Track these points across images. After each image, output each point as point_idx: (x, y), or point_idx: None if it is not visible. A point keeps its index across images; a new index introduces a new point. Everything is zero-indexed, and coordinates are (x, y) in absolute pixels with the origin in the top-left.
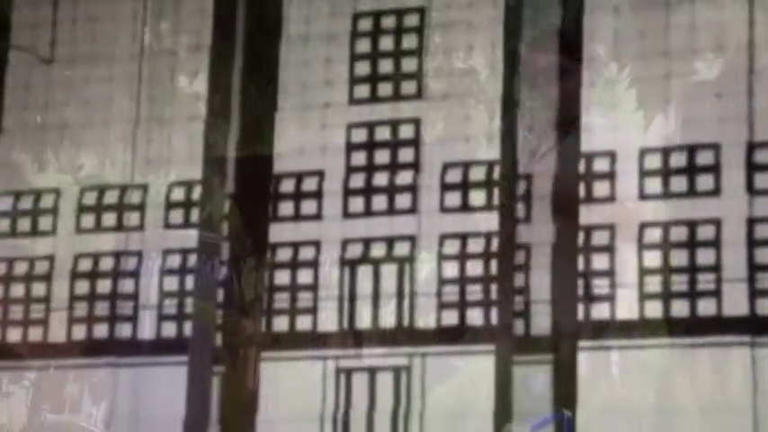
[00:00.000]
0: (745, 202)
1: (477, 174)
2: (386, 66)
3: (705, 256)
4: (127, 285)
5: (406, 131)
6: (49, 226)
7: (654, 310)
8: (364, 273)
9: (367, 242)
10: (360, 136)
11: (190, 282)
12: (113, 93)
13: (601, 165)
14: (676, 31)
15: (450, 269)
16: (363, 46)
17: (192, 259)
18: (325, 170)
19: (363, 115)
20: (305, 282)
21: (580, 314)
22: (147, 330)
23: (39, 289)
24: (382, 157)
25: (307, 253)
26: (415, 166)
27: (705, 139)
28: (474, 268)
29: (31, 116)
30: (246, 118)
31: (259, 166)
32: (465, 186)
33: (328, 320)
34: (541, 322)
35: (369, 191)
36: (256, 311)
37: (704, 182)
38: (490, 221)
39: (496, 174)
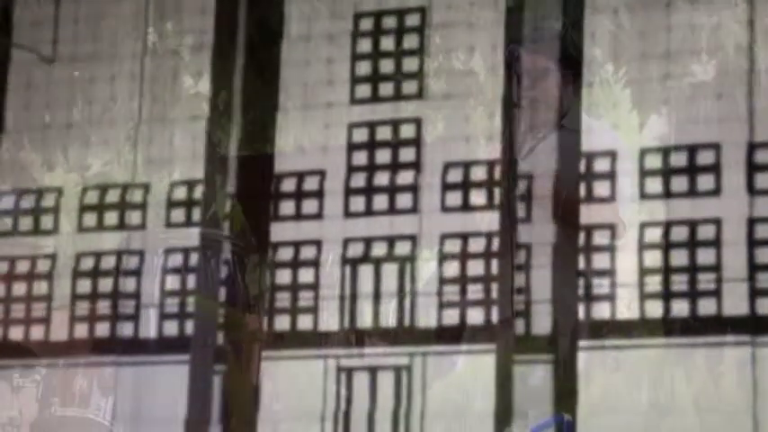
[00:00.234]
0: (746, 202)
1: (478, 173)
2: (387, 66)
3: (705, 256)
4: (129, 284)
5: (407, 131)
6: (51, 225)
7: (654, 309)
8: (365, 272)
9: (368, 241)
10: (361, 135)
11: (192, 280)
12: (115, 92)
13: (601, 165)
14: (677, 32)
15: (451, 269)
16: (365, 46)
17: (194, 258)
18: (327, 169)
19: (364, 115)
20: (306, 281)
21: (580, 314)
22: (148, 329)
23: (40, 287)
24: (383, 156)
25: (308, 252)
26: (416, 165)
27: (705, 139)
28: (475, 268)
29: (34, 115)
30: (248, 117)
31: (261, 165)
32: (466, 186)
33: (329, 319)
34: (542, 322)
35: (370, 190)
36: (259, 309)
37: (704, 182)
38: (491, 221)
39: (497, 173)
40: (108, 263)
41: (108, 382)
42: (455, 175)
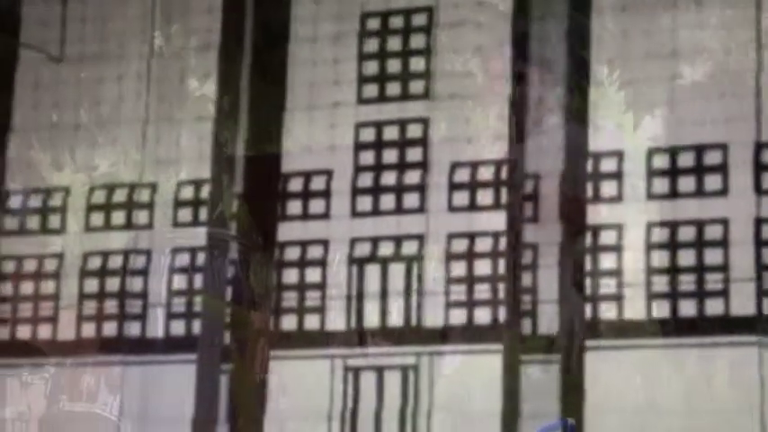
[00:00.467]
0: (753, 202)
1: (485, 173)
2: (394, 65)
3: (713, 256)
4: (136, 283)
5: (414, 131)
6: (59, 224)
7: (661, 309)
8: (372, 271)
9: (375, 241)
10: (368, 135)
11: (198, 280)
12: (123, 92)
13: (608, 165)
14: (684, 32)
15: (458, 268)
16: (371, 46)
17: (201, 258)
18: (334, 169)
19: (371, 115)
20: (313, 280)
21: (587, 314)
22: (155, 328)
23: (48, 287)
24: (390, 156)
25: (315, 252)
26: (423, 165)
27: (713, 139)
28: (482, 267)
29: (42, 114)
30: (255, 117)
31: (268, 165)
32: (473, 186)
33: (336, 319)
34: (549, 321)
35: (377, 190)
36: (265, 307)
37: (712, 182)
38: (498, 221)
39: (504, 173)
40: (115, 262)
41: (115, 381)
42: (462, 175)
